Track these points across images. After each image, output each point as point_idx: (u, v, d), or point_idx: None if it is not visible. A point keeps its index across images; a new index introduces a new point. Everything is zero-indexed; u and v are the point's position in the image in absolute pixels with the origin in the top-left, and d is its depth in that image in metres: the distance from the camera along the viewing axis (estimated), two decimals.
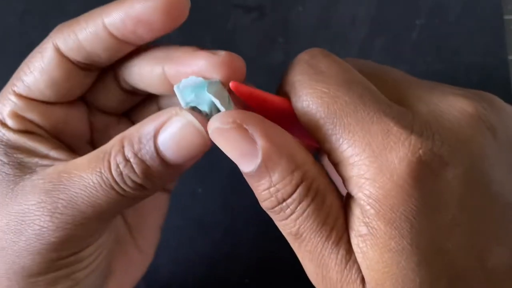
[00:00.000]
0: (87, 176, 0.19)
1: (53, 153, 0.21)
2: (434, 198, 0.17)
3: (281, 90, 0.20)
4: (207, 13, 0.38)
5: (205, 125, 0.19)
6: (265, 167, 0.18)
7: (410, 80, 0.21)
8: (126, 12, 0.20)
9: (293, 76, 0.19)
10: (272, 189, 0.18)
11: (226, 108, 0.20)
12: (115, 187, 0.19)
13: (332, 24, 0.39)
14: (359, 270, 0.18)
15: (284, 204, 0.18)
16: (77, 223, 0.20)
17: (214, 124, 0.18)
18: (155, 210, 0.27)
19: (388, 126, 0.17)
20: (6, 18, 0.39)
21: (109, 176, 0.19)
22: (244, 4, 0.38)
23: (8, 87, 0.22)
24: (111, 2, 0.21)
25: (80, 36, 0.21)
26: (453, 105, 0.19)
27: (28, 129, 0.22)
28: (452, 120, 0.18)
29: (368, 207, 0.17)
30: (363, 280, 0.18)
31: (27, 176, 0.20)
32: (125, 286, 0.25)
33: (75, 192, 0.19)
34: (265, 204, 0.18)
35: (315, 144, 0.20)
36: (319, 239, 0.18)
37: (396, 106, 0.18)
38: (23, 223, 0.20)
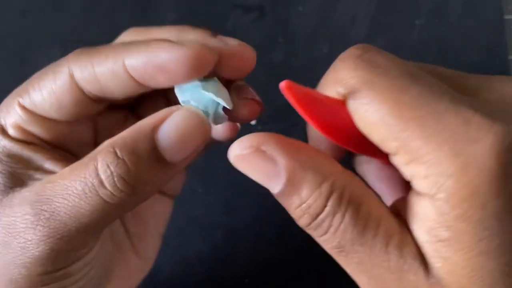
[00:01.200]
0: (70, 184, 0.18)
1: (48, 164, 0.21)
2: None
3: (328, 89, 0.18)
4: (207, 13, 0.38)
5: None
6: (291, 185, 0.17)
7: (464, 73, 0.19)
8: (150, 58, 0.19)
9: (346, 73, 0.17)
10: (303, 206, 0.17)
11: (229, 106, 0.19)
12: (100, 192, 0.18)
13: (332, 24, 0.39)
14: (425, 275, 0.17)
15: (318, 219, 0.17)
16: (59, 236, 0.18)
17: (233, 152, 0.18)
18: (157, 216, 0.26)
19: (467, 116, 0.16)
20: (6, 18, 0.39)
21: (94, 180, 0.18)
22: (244, 4, 0.38)
23: (14, 96, 0.21)
24: (135, 42, 0.20)
25: (97, 70, 0.20)
26: None
27: (27, 140, 0.21)
28: None
29: (450, 208, 0.16)
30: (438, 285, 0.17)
31: (17, 188, 0.20)
32: None
33: (58, 203, 0.18)
34: (301, 222, 0.18)
35: (370, 151, 0.19)
36: (362, 248, 0.17)
37: (466, 96, 0.17)
38: (10, 235, 0.19)
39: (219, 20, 0.38)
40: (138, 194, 0.18)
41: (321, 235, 0.17)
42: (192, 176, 0.36)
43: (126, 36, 0.22)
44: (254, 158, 0.17)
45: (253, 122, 0.36)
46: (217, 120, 0.20)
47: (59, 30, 0.38)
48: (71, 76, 0.20)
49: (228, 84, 0.21)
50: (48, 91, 0.21)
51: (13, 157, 0.21)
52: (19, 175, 0.20)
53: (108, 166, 0.18)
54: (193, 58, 0.19)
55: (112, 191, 0.18)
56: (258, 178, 0.18)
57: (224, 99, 0.19)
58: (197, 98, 0.19)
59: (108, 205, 0.18)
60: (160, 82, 0.20)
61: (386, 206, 0.18)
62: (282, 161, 0.17)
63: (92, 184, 0.18)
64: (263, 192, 0.39)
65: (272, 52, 0.37)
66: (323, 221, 0.17)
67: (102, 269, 0.23)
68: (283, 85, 0.17)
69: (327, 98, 0.18)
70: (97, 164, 0.18)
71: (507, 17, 0.38)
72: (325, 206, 0.17)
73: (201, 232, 0.36)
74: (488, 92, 0.18)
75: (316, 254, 0.35)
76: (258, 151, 0.17)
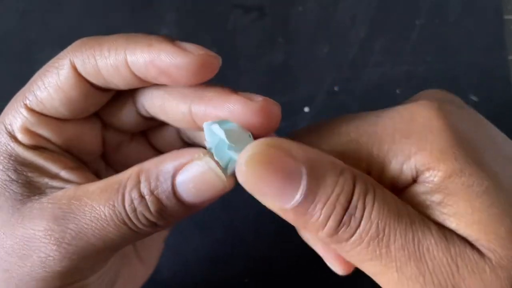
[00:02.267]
0: (99, 208, 0.18)
1: (63, 173, 0.20)
2: None
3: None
4: (207, 13, 0.38)
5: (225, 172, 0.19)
6: (314, 180, 0.16)
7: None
8: (152, 59, 0.19)
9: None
10: (332, 198, 0.16)
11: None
12: (128, 222, 0.18)
13: (332, 24, 0.39)
14: (462, 239, 0.17)
15: (351, 206, 0.16)
16: (85, 255, 0.19)
17: (244, 155, 0.17)
18: None
19: None
20: (6, 18, 0.39)
21: (122, 210, 0.18)
22: (244, 4, 0.38)
23: (19, 99, 0.21)
24: (138, 36, 0.20)
25: (100, 64, 0.20)
26: None
27: (39, 145, 0.21)
28: None
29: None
30: (471, 245, 0.17)
31: (36, 197, 0.20)
32: None
33: (86, 224, 0.18)
34: (330, 225, 0.17)
35: None
36: (403, 226, 0.16)
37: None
38: (28, 248, 0.19)
39: (219, 20, 0.38)
40: (159, 226, 0.19)
41: (355, 230, 0.16)
42: None
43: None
44: (272, 154, 0.17)
45: None
46: (233, 171, 0.19)
47: (59, 30, 0.38)
48: (74, 69, 0.20)
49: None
50: (53, 87, 0.20)
51: (28, 166, 0.20)
52: (36, 184, 0.20)
53: (132, 202, 0.18)
54: (197, 64, 0.19)
55: (136, 224, 0.18)
56: (272, 190, 0.17)
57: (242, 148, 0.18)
58: (220, 153, 0.19)
59: (133, 233, 0.19)
60: (162, 82, 0.20)
61: None
62: (299, 153, 0.17)
63: (121, 214, 0.18)
64: None
65: (272, 52, 0.37)
66: (355, 206, 0.16)
67: (112, 277, 0.23)
68: None
69: None
70: (124, 195, 0.18)
71: (506, 17, 0.38)
72: (354, 189, 0.16)
73: (200, 231, 0.36)
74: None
75: (316, 253, 0.35)
76: (274, 147, 0.17)
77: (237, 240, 0.35)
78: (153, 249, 0.26)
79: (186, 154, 0.18)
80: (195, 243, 0.35)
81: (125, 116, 0.23)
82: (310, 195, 0.16)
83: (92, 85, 0.21)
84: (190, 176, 0.18)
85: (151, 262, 0.26)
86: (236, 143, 0.18)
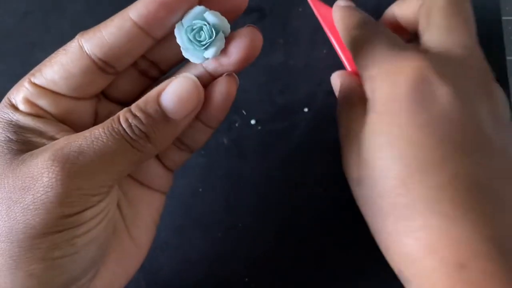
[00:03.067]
0: (97, 130, 0.21)
1: (60, 135, 0.22)
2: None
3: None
4: None
5: (202, 82, 0.23)
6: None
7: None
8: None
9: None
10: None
11: (225, 27, 0.23)
12: (124, 135, 0.21)
13: None
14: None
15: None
16: (86, 173, 0.20)
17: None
18: (149, 205, 0.27)
19: (401, 54, 0.27)
20: (6, 19, 0.39)
21: (118, 126, 0.21)
22: None
23: (27, 76, 0.23)
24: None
25: (105, 32, 0.22)
26: None
27: (37, 114, 0.23)
28: None
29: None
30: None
31: (34, 150, 0.22)
32: (118, 278, 0.26)
33: (86, 145, 0.21)
34: None
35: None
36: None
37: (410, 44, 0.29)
38: (31, 178, 0.20)
39: None
40: (152, 142, 0.22)
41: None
42: (192, 176, 0.36)
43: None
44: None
45: (253, 121, 0.37)
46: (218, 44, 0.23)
47: (60, 30, 0.38)
48: (81, 48, 0.23)
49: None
50: (58, 65, 0.23)
51: (26, 128, 0.22)
52: (34, 143, 0.22)
53: (126, 120, 0.21)
54: None
55: (132, 136, 0.21)
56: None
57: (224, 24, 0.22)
58: (200, 21, 0.22)
59: (130, 147, 0.22)
60: (163, 19, 0.22)
61: None
62: None
63: (118, 129, 0.21)
64: (263, 191, 0.39)
65: (272, 53, 0.38)
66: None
67: (105, 234, 0.24)
68: None
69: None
70: (119, 118, 0.22)
71: (505, 18, 0.38)
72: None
73: (201, 231, 0.36)
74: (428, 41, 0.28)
75: (316, 253, 0.35)
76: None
77: (237, 240, 0.35)
78: (144, 228, 0.27)
79: (166, 81, 0.22)
80: (195, 243, 0.36)
81: (125, 84, 0.26)
82: None
83: (95, 63, 0.23)
84: (171, 90, 0.22)
85: (142, 243, 0.27)
86: (207, 13, 0.22)
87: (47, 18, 0.39)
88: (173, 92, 0.22)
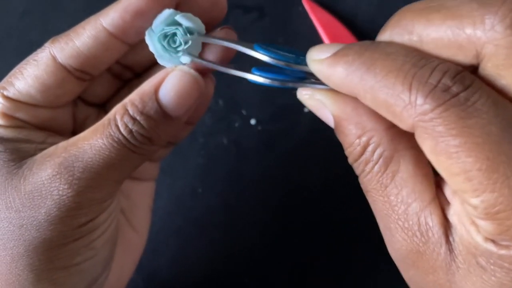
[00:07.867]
0: (97, 142, 0.20)
1: (50, 139, 0.22)
2: None
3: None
4: None
5: (199, 71, 0.21)
6: (338, 131, 0.20)
7: None
8: (125, 8, 0.21)
9: None
10: (348, 149, 0.19)
11: (200, 28, 0.21)
12: (127, 144, 0.20)
13: None
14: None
15: (357, 162, 0.19)
16: (93, 185, 0.20)
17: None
18: (143, 195, 0.28)
19: None
20: (6, 18, 0.39)
21: (119, 136, 0.20)
22: (244, 4, 0.38)
23: None
24: (105, 8, 0.22)
25: (78, 42, 0.22)
26: None
27: (18, 125, 0.23)
28: None
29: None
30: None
31: (29, 158, 0.21)
32: (127, 268, 0.26)
33: (89, 158, 0.20)
34: (349, 158, 0.20)
35: None
36: (381, 198, 0.19)
37: None
38: (40, 197, 0.20)
39: None
40: (155, 143, 0.21)
41: (360, 174, 0.20)
42: (192, 176, 0.36)
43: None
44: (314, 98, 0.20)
45: (253, 121, 0.36)
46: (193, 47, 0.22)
47: (59, 30, 0.38)
48: (54, 59, 0.22)
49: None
50: (32, 77, 0.22)
51: (11, 140, 0.22)
52: (25, 149, 0.22)
53: (126, 126, 0.20)
54: None
55: (134, 144, 0.21)
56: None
57: (196, 25, 0.21)
58: (173, 26, 0.21)
59: (134, 154, 0.21)
60: (138, 27, 0.21)
61: (430, 173, 0.19)
62: (331, 109, 0.19)
63: (118, 139, 0.20)
64: (263, 191, 0.39)
65: None
66: (359, 163, 0.19)
67: (116, 232, 0.24)
68: None
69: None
70: (117, 123, 0.20)
71: None
72: (362, 154, 0.19)
73: (201, 232, 0.36)
74: None
75: (315, 253, 0.35)
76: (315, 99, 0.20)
77: (237, 240, 0.35)
78: (142, 216, 0.28)
79: (160, 73, 0.21)
80: (195, 244, 0.36)
81: (99, 88, 0.25)
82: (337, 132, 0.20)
83: (70, 72, 0.22)
84: (170, 85, 0.21)
85: (143, 229, 0.28)
86: (178, 16, 0.21)
87: (46, 17, 0.39)
88: (172, 88, 0.21)
